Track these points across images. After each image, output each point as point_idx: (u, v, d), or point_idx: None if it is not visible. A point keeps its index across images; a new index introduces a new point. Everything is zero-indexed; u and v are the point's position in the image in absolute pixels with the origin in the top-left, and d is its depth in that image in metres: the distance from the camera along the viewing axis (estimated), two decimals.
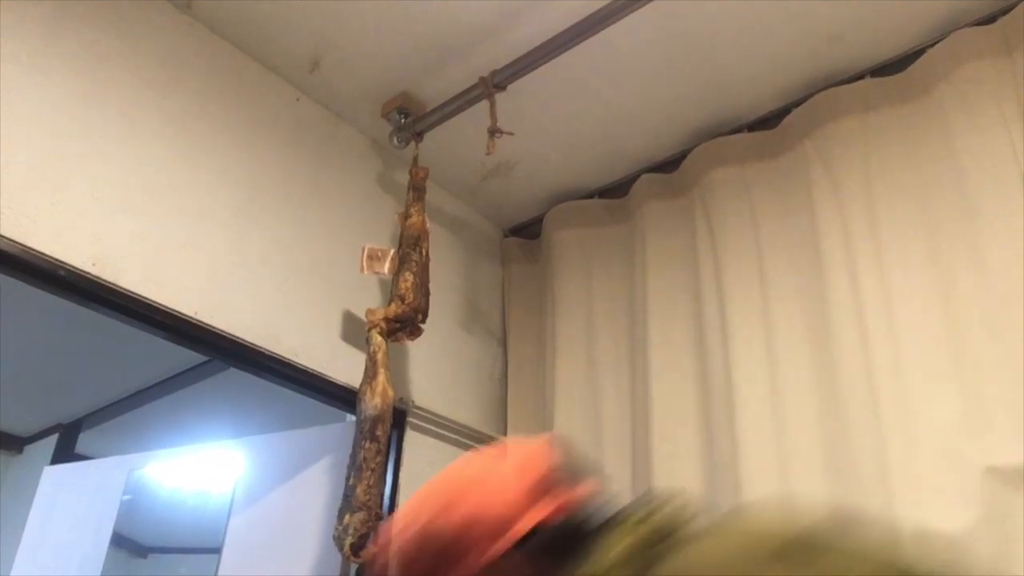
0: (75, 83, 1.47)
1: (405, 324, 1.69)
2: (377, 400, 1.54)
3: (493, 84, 1.71)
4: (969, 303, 1.44)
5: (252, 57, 1.81)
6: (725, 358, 1.69)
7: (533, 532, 0.74)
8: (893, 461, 1.40)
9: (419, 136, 1.92)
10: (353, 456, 1.52)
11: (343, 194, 1.93)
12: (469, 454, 0.84)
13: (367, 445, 1.50)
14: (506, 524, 0.74)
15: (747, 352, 1.67)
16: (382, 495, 1.55)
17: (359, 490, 1.46)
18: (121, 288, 1.43)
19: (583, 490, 0.78)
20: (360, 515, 1.44)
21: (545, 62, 1.66)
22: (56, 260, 1.35)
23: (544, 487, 0.77)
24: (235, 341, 1.59)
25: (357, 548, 1.43)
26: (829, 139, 1.72)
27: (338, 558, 1.62)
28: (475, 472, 0.80)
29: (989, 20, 1.60)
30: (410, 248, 1.76)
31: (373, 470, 1.49)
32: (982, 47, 1.57)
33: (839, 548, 0.61)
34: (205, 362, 2.55)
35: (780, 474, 1.54)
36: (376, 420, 1.52)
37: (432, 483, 0.80)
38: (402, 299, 1.69)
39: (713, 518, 0.69)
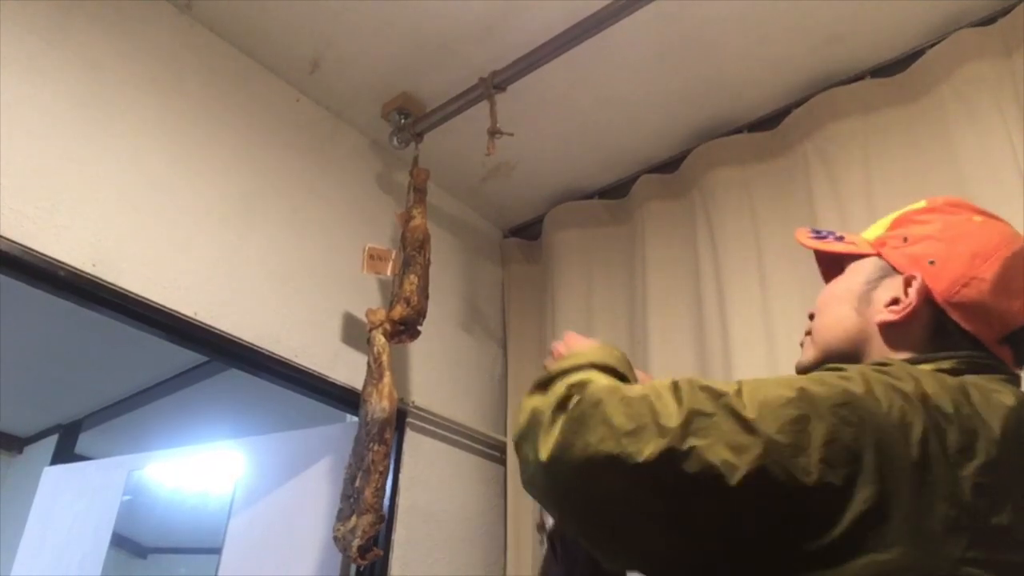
0: (75, 84, 1.47)
1: (408, 326, 1.69)
2: (385, 403, 1.54)
3: (493, 85, 1.71)
4: None
5: (252, 57, 1.81)
6: (725, 358, 1.69)
7: None
8: None
9: (419, 137, 1.92)
10: (357, 458, 1.52)
11: (343, 194, 1.93)
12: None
13: (376, 448, 1.50)
14: None
15: (747, 352, 1.67)
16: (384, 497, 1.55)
17: (367, 492, 1.46)
18: (121, 288, 1.43)
19: None
20: (368, 517, 1.44)
21: (545, 62, 1.66)
22: (56, 260, 1.35)
23: None
24: (235, 342, 1.59)
25: (365, 550, 1.43)
26: (829, 140, 1.72)
27: (338, 558, 1.62)
28: None
29: (989, 21, 1.60)
30: (415, 251, 1.76)
31: (381, 473, 1.49)
32: (982, 48, 1.57)
33: None
34: (205, 363, 2.55)
35: None
36: (385, 423, 1.52)
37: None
38: (407, 302, 1.68)
39: None
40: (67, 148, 1.43)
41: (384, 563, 1.68)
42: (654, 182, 2.04)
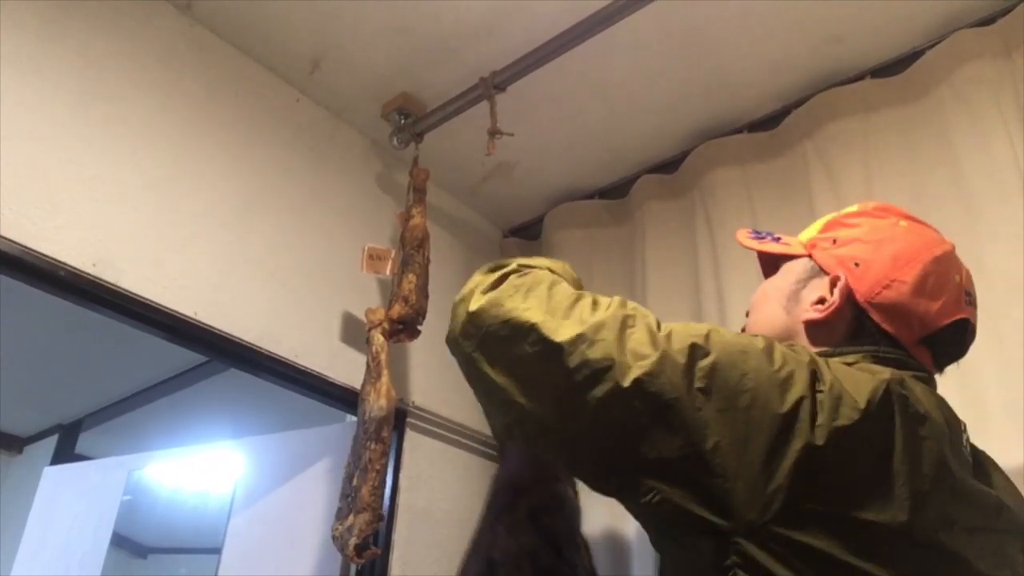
0: (75, 84, 1.47)
1: (407, 325, 1.69)
2: (383, 401, 1.54)
3: (493, 85, 1.71)
4: None
5: (252, 58, 1.81)
6: None
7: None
8: None
9: (419, 137, 1.92)
10: (355, 457, 1.52)
11: (343, 195, 1.93)
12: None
13: (373, 446, 1.50)
14: (957, 306, 0.82)
15: None
16: (383, 496, 1.55)
17: (364, 491, 1.46)
18: (121, 288, 1.43)
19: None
20: (364, 516, 1.44)
21: (545, 63, 1.66)
22: (56, 261, 1.35)
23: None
24: (235, 341, 1.59)
25: (361, 549, 1.43)
26: (829, 140, 1.72)
27: (338, 558, 1.62)
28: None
29: (989, 21, 1.60)
30: (413, 250, 1.76)
31: (378, 471, 1.49)
32: (982, 48, 1.57)
33: None
34: (205, 363, 2.55)
35: None
36: (382, 422, 1.52)
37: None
38: (406, 301, 1.68)
39: None
40: (67, 148, 1.43)
41: (384, 562, 1.68)
42: (654, 182, 2.04)
